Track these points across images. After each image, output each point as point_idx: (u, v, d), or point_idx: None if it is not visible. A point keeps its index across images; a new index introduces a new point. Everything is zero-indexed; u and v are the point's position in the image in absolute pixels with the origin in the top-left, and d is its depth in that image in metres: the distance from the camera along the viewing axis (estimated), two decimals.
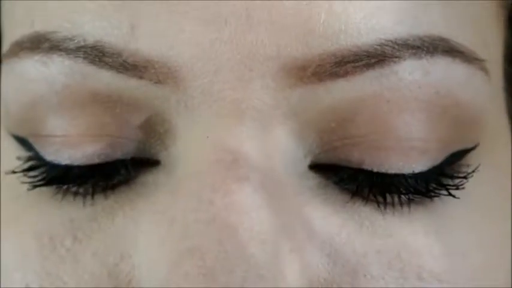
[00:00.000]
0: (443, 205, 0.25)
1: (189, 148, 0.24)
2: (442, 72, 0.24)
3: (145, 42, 0.23)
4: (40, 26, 0.25)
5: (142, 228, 0.24)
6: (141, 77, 0.23)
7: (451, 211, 0.25)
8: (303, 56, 0.23)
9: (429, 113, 0.24)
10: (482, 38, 0.26)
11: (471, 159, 0.26)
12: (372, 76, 0.23)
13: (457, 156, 0.25)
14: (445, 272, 0.24)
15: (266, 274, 0.22)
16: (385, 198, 0.24)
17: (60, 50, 0.24)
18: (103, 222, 0.25)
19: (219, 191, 0.22)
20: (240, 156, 0.23)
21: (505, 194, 0.27)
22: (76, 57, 0.24)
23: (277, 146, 0.24)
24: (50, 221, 0.25)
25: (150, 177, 0.25)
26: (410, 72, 0.24)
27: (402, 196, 0.24)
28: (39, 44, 0.24)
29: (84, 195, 0.25)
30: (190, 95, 0.23)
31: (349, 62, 0.23)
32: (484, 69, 0.25)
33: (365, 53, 0.23)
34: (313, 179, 0.24)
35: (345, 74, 0.23)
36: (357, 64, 0.23)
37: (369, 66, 0.23)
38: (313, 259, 0.23)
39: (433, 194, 0.25)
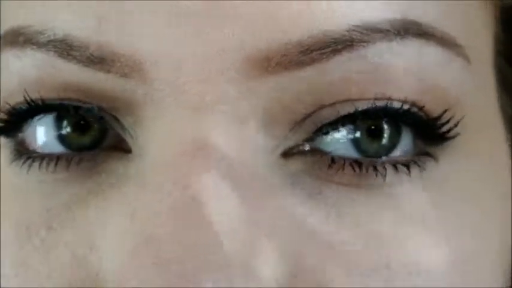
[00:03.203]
0: (414, 193, 0.25)
1: (156, 140, 0.24)
2: (414, 54, 0.24)
3: (111, 36, 0.23)
4: (17, 21, 0.25)
5: (110, 219, 0.24)
6: (108, 71, 0.24)
7: (422, 200, 0.25)
8: (267, 46, 0.23)
9: (402, 96, 0.24)
10: (467, 27, 0.26)
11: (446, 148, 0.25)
12: (340, 61, 0.23)
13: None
14: (414, 262, 0.24)
15: (219, 261, 0.22)
16: (357, 186, 0.24)
17: (33, 43, 0.25)
18: (77, 212, 0.25)
19: (180, 183, 0.23)
20: (204, 147, 0.23)
21: (485, 185, 0.27)
22: (47, 50, 0.24)
23: (244, 137, 0.24)
24: (28, 210, 0.26)
25: (121, 168, 0.25)
26: (379, 55, 0.23)
27: (375, 180, 0.24)
28: (16, 38, 0.25)
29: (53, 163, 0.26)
30: (156, 88, 0.23)
31: (315, 50, 0.23)
32: (465, 56, 0.25)
33: (332, 40, 0.23)
34: (285, 167, 0.24)
35: (312, 62, 0.23)
36: (323, 51, 0.23)
37: (335, 52, 0.23)
38: (281, 248, 0.23)
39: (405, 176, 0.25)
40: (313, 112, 0.24)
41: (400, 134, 0.25)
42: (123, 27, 0.23)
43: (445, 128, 0.25)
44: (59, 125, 0.26)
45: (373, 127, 0.25)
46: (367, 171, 0.24)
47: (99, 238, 0.24)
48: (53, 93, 0.25)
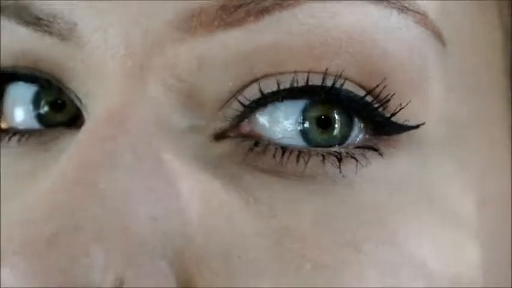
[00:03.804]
0: (340, 188, 0.22)
1: (91, 109, 0.23)
2: (357, 15, 0.21)
3: None
4: None
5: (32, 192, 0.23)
6: (50, 33, 0.23)
7: (354, 199, 0.22)
8: (187, 6, 0.21)
9: (341, 61, 0.21)
10: (448, 11, 0.23)
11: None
12: (269, 23, 0.21)
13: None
14: (332, 265, 0.21)
15: (109, 233, 0.20)
16: (276, 173, 0.22)
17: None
18: (26, 182, 0.24)
19: (81, 153, 0.21)
20: (116, 116, 0.22)
21: (462, 194, 0.24)
22: (5, 14, 0.24)
23: (164, 110, 0.22)
24: None
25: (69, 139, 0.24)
26: (313, 15, 0.21)
27: (294, 169, 0.22)
28: None
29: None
30: (88, 52, 0.23)
31: (239, 7, 0.21)
32: (436, 33, 0.23)
33: None
34: (212, 150, 0.22)
35: (238, 23, 0.21)
36: (248, 8, 0.21)
37: (263, 11, 0.21)
38: (179, 232, 0.21)
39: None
40: (243, 88, 0.22)
41: (345, 122, 0.23)
42: None
43: (388, 113, 0.22)
44: (36, 104, 0.26)
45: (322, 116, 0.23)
46: (288, 158, 0.22)
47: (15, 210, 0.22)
48: (10, 61, 0.25)
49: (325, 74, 0.21)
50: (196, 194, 0.21)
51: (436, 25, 0.23)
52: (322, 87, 0.22)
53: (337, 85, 0.22)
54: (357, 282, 0.21)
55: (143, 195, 0.21)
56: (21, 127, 0.26)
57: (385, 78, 0.22)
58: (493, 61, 0.25)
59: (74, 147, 0.21)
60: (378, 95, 0.22)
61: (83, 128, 0.22)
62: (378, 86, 0.22)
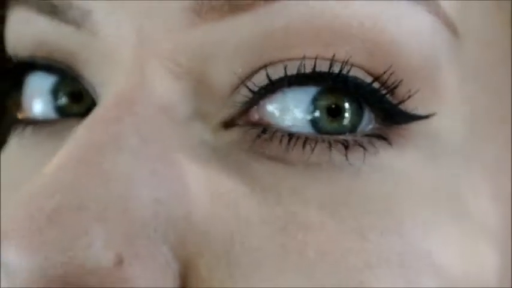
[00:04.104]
0: (347, 176, 0.21)
1: (103, 97, 0.23)
2: (367, 1, 0.21)
3: None
4: None
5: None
6: (67, 22, 0.24)
7: (361, 190, 0.21)
8: None
9: (350, 47, 0.21)
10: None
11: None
12: (278, 7, 0.21)
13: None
14: (336, 252, 0.20)
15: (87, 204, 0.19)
16: (283, 160, 0.22)
17: (19, 0, 0.25)
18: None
19: (87, 133, 0.21)
20: (123, 99, 0.22)
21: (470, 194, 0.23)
22: (24, 4, 0.25)
23: (173, 97, 0.22)
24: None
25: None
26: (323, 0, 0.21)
27: (301, 156, 0.22)
28: None
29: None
30: (102, 39, 0.23)
31: None
32: (449, 25, 0.22)
33: None
34: (221, 137, 0.22)
35: (248, 7, 0.21)
36: None
37: None
38: (182, 216, 0.21)
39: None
40: (252, 74, 0.22)
41: (355, 111, 0.22)
42: None
43: (396, 100, 0.22)
44: (55, 96, 0.27)
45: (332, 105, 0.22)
46: (294, 145, 0.22)
47: None
48: (28, 51, 0.26)
49: (332, 60, 0.21)
50: (201, 180, 0.21)
51: (449, 16, 0.22)
52: (329, 74, 0.21)
53: (344, 71, 0.21)
54: (361, 270, 0.20)
55: (147, 178, 0.21)
56: (39, 118, 0.27)
57: (391, 65, 0.21)
58: (509, 58, 0.24)
59: (80, 128, 0.21)
60: (385, 82, 0.22)
61: (92, 112, 0.22)
62: (385, 72, 0.21)
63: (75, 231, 0.19)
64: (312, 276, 0.20)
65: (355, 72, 0.22)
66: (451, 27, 0.22)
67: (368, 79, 0.22)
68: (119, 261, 0.19)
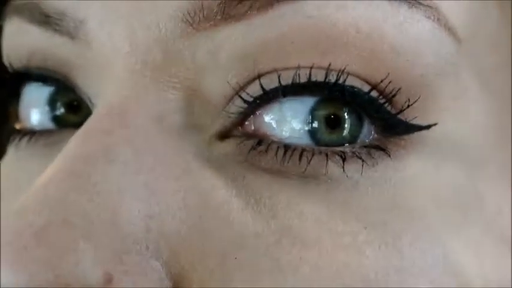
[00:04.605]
0: (344, 190, 0.21)
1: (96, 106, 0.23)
2: (365, 9, 0.21)
3: None
4: None
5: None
6: (61, 33, 0.23)
7: (360, 202, 0.21)
8: (190, 0, 0.21)
9: (347, 56, 0.21)
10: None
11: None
12: (273, 16, 0.21)
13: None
14: (332, 268, 0.20)
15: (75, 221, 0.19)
16: (279, 173, 0.21)
17: (11, 10, 0.25)
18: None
19: (77, 146, 0.21)
20: (115, 110, 0.21)
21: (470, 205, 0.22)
22: (17, 14, 0.25)
23: (165, 107, 0.22)
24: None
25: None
26: (319, 7, 0.21)
27: (297, 168, 0.21)
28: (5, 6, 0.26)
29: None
30: (96, 49, 0.23)
31: (242, 0, 0.21)
32: (451, 31, 0.22)
33: None
34: (216, 149, 0.22)
35: (241, 17, 0.21)
36: (251, 1, 0.21)
37: (267, 4, 0.21)
38: (176, 231, 0.20)
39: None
40: (247, 84, 0.21)
41: (355, 122, 0.22)
42: None
43: (395, 110, 0.21)
44: (52, 106, 0.26)
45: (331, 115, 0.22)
46: (290, 157, 0.21)
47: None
48: (23, 61, 0.25)
49: (328, 70, 0.21)
50: (195, 193, 0.21)
51: (450, 20, 0.22)
52: (325, 83, 0.21)
53: (341, 81, 0.21)
54: (358, 285, 0.20)
55: (139, 191, 0.20)
56: (36, 128, 0.26)
57: (389, 73, 0.21)
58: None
59: (71, 140, 0.21)
60: (383, 91, 0.21)
61: (84, 123, 0.22)
62: (382, 81, 0.21)
63: (61, 248, 0.18)
64: None
65: (352, 82, 0.21)
66: (451, 31, 0.22)
67: (365, 88, 0.21)
68: (108, 279, 0.19)
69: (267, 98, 0.21)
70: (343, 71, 0.21)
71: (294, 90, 0.21)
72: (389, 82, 0.21)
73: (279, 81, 0.21)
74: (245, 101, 0.22)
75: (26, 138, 0.26)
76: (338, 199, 0.21)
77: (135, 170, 0.20)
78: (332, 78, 0.21)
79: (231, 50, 0.21)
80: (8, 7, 0.25)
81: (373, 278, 0.20)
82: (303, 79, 0.21)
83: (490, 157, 0.23)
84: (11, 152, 0.27)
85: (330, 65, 0.21)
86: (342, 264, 0.20)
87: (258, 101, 0.21)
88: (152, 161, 0.21)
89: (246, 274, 0.20)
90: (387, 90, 0.21)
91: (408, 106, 0.21)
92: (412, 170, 0.21)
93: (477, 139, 0.23)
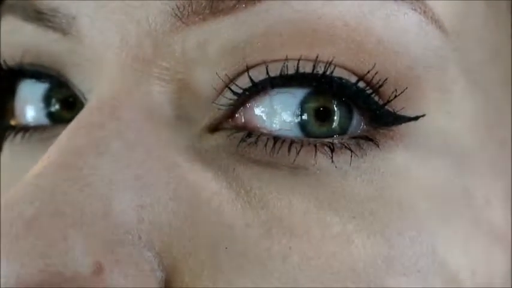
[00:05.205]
0: (333, 180, 0.21)
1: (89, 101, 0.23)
2: (352, 2, 0.21)
3: None
4: None
5: None
6: (54, 29, 0.24)
7: (347, 192, 0.21)
8: None
9: (334, 48, 0.21)
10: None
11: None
12: (261, 10, 0.21)
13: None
14: (321, 257, 0.20)
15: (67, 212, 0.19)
16: (268, 164, 0.21)
17: (4, 9, 0.25)
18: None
19: (68, 138, 0.21)
20: (106, 104, 0.22)
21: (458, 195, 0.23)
22: (12, 13, 0.25)
23: (155, 102, 0.22)
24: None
25: None
26: (306, 1, 0.21)
27: (286, 159, 0.21)
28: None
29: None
30: (88, 45, 0.23)
31: None
32: (437, 23, 0.22)
33: None
34: (206, 142, 0.22)
35: (230, 10, 0.21)
36: None
37: None
38: (167, 222, 0.20)
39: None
40: (236, 77, 0.22)
41: (344, 114, 0.22)
42: None
43: (382, 101, 0.21)
44: (47, 103, 0.27)
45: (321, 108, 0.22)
46: (280, 148, 0.21)
47: None
48: (17, 58, 0.25)
49: (316, 61, 0.21)
50: (186, 184, 0.21)
51: (436, 13, 0.22)
52: (313, 75, 0.21)
53: (328, 72, 0.21)
54: (346, 275, 0.20)
55: (130, 183, 0.20)
56: (31, 124, 0.27)
57: (375, 64, 0.21)
58: (501, 57, 0.24)
59: (63, 133, 0.21)
60: (370, 81, 0.21)
61: (76, 117, 0.22)
62: (369, 71, 0.21)
63: (51, 237, 0.19)
64: (296, 281, 0.20)
65: (339, 73, 0.21)
66: (438, 23, 0.22)
67: (353, 79, 0.21)
68: (99, 269, 0.19)
69: (256, 89, 0.22)
70: (330, 62, 0.21)
71: (283, 81, 0.21)
72: (376, 73, 0.21)
73: (267, 73, 0.21)
74: (235, 93, 0.22)
75: (20, 134, 0.26)
76: (327, 189, 0.21)
77: (126, 162, 0.21)
78: (320, 69, 0.21)
79: (220, 43, 0.21)
80: (2, 6, 0.26)
81: (362, 266, 0.20)
82: (291, 71, 0.21)
83: (478, 150, 0.23)
84: (6, 147, 0.27)
85: (317, 56, 0.21)
86: (331, 254, 0.20)
87: (247, 93, 0.22)
88: (143, 154, 0.21)
89: (237, 264, 0.20)
90: (374, 81, 0.21)
91: (395, 97, 0.21)
92: (400, 161, 0.22)
93: (464, 132, 0.23)
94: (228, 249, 0.20)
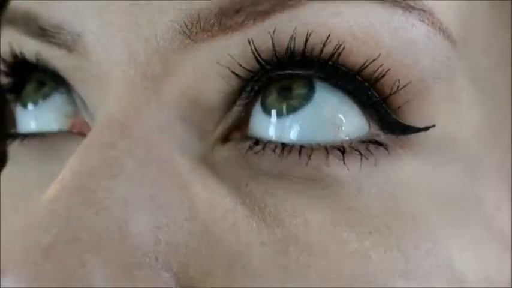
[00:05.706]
0: (348, 194, 0.21)
1: (97, 120, 0.23)
2: (361, 15, 0.21)
3: (55, 8, 0.23)
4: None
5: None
6: (59, 46, 0.23)
7: (358, 200, 0.21)
8: (187, 12, 0.21)
9: (344, 61, 0.21)
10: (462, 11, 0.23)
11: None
12: (270, 25, 0.21)
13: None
14: (339, 274, 0.20)
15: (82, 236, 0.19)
16: (280, 176, 0.21)
17: (5, 21, 0.25)
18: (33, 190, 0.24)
19: (80, 160, 0.21)
20: (116, 123, 0.21)
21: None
22: (15, 27, 0.25)
23: (165, 117, 0.22)
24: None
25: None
26: (315, 14, 0.21)
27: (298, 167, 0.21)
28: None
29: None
30: (94, 62, 0.23)
31: (238, 11, 0.21)
32: (445, 33, 0.22)
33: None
34: (219, 154, 0.22)
35: (238, 27, 0.21)
36: (247, 11, 0.21)
37: (263, 14, 0.21)
38: (184, 242, 0.20)
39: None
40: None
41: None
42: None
43: (391, 111, 0.22)
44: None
45: None
46: (289, 153, 0.21)
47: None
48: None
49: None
50: (200, 203, 0.21)
51: (444, 23, 0.22)
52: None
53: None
54: None
55: (145, 203, 0.20)
56: (34, 132, 0.26)
57: (389, 70, 0.21)
58: (507, 62, 0.24)
59: (74, 154, 0.21)
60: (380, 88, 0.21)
61: (86, 137, 0.22)
62: (378, 80, 0.21)
63: (70, 264, 0.19)
64: None
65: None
66: (446, 34, 0.22)
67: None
68: None
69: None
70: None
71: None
72: (385, 86, 0.21)
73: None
74: (245, 105, 0.22)
75: (24, 142, 0.26)
76: (342, 205, 0.21)
77: (140, 182, 0.21)
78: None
79: (229, 60, 0.21)
80: (3, 17, 0.25)
81: (380, 283, 0.20)
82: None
83: (486, 156, 0.23)
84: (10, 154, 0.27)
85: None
86: (349, 271, 0.20)
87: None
88: (156, 172, 0.21)
89: (254, 283, 0.20)
90: (386, 90, 0.21)
91: (405, 102, 0.21)
92: (410, 170, 0.22)
93: (473, 139, 0.23)
94: (245, 267, 0.20)
